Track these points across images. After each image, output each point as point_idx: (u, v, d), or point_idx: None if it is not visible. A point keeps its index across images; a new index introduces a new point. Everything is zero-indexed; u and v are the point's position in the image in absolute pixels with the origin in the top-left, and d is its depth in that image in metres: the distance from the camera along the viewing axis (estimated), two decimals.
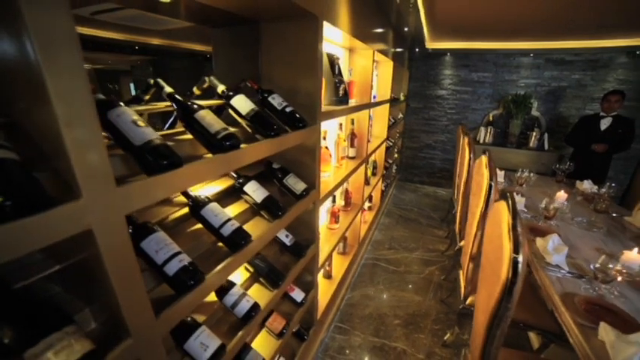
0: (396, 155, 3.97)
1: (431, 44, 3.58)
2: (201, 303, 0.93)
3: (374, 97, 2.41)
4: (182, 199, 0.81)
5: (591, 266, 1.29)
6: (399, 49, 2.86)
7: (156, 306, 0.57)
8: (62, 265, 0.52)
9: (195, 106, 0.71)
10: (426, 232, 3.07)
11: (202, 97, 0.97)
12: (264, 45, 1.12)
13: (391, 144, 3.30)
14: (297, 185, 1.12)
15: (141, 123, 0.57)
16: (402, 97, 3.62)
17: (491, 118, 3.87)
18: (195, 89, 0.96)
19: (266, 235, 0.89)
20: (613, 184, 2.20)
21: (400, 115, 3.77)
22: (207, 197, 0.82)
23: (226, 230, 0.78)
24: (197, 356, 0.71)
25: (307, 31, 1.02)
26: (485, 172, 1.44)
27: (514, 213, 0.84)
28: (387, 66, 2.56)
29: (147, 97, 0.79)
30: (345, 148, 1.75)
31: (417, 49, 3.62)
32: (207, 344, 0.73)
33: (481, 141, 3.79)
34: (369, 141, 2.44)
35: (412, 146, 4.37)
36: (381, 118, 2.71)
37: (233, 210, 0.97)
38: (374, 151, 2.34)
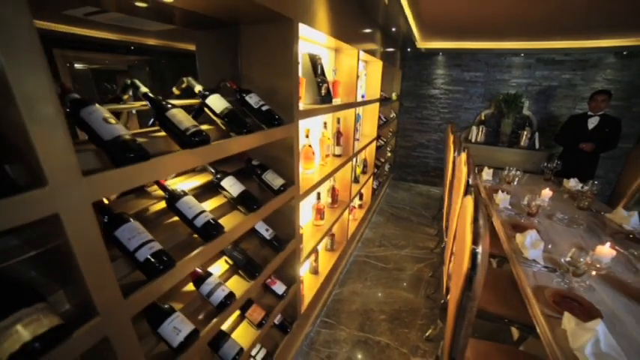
0: (389, 154, 4.02)
1: (422, 44, 3.63)
2: (180, 292, 0.98)
3: (362, 96, 2.46)
4: (162, 193, 0.86)
5: (562, 259, 1.33)
6: (389, 49, 2.90)
7: (126, 289, 0.62)
8: (39, 251, 0.57)
9: (168, 105, 0.76)
10: (417, 230, 3.11)
11: (182, 96, 1.02)
12: (243, 46, 1.17)
13: (383, 143, 3.34)
14: (275, 181, 1.16)
15: (112, 120, 0.62)
16: (394, 97, 3.66)
17: (483, 118, 3.91)
18: (174, 89, 1.00)
19: (240, 227, 0.94)
20: (596, 182, 2.24)
21: (393, 115, 3.82)
22: (183, 191, 0.87)
23: (199, 221, 0.83)
24: (170, 340, 0.76)
25: (283, 33, 1.06)
26: (464, 169, 1.48)
27: (476, 207, 0.88)
28: (376, 66, 2.60)
29: (126, 97, 0.84)
30: (330, 146, 1.79)
31: (408, 49, 3.66)
32: (180, 329, 0.77)
33: (473, 140, 3.83)
34: (357, 139, 2.48)
35: (405, 145, 4.41)
36: (371, 117, 2.75)
37: (212, 204, 1.02)
38: (362, 149, 2.38)
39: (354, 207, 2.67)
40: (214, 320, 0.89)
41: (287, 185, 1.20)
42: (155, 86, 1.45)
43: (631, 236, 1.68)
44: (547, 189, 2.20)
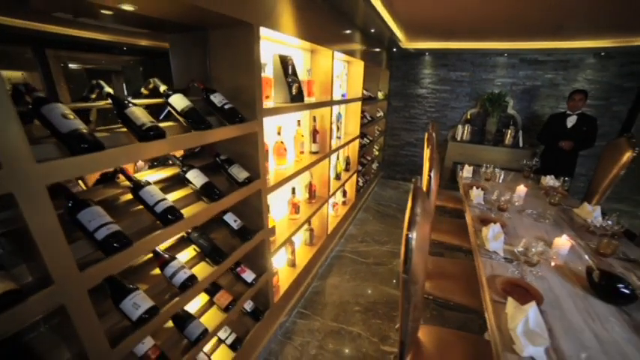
0: (376, 152, 4.09)
1: (408, 44, 3.70)
2: (148, 275, 1.06)
3: (343, 95, 2.54)
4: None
5: (515, 250, 1.41)
6: (371, 50, 2.97)
7: (83, 264, 0.71)
8: (4, 230, 0.66)
9: (128, 104, 0.85)
10: (401, 227, 3.19)
11: (150, 96, 1.11)
12: (211, 49, 1.25)
13: (368, 141, 3.42)
14: (240, 174, 1.25)
15: (70, 116, 0.70)
16: (380, 96, 3.74)
17: (469, 116, 3.98)
18: (143, 89, 1.09)
19: (200, 215, 1.03)
20: (567, 179, 2.32)
21: (380, 114, 3.90)
22: (147, 181, 0.96)
23: (159, 208, 0.91)
24: (130, 314, 0.84)
25: (245, 37, 1.15)
26: (426, 164, 1.56)
27: (414, 196, 0.96)
28: (357, 66, 2.68)
29: (93, 96, 0.92)
30: (304, 143, 1.87)
31: (394, 49, 3.74)
32: (139, 304, 0.86)
33: (459, 139, 3.90)
34: (339, 137, 2.57)
35: (394, 144, 4.49)
36: (353, 115, 2.83)
37: (178, 194, 1.11)
38: (342, 146, 2.46)
39: (337, 203, 2.75)
40: (176, 299, 0.97)
41: (252, 178, 1.28)
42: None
43: (591, 229, 1.76)
44: (522, 185, 2.28)
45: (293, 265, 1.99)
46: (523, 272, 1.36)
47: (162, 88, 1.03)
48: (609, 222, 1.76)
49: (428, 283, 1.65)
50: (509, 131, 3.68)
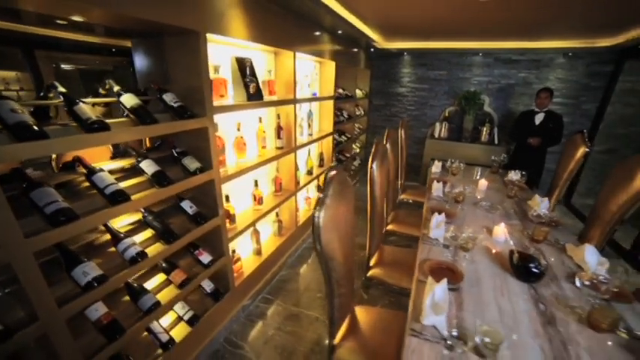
0: (357, 150, 4.22)
1: (387, 44, 3.83)
2: (105, 252, 1.21)
3: (314, 94, 2.68)
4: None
5: (449, 236, 1.53)
6: (344, 50, 3.10)
7: (29, 233, 0.85)
8: None
9: (78, 102, 1.00)
10: None
11: (107, 95, 1.25)
12: (168, 53, 1.40)
13: (346, 138, 3.55)
14: (192, 165, 1.40)
15: (19, 111, 0.85)
16: (359, 95, 3.87)
17: (447, 114, 4.09)
18: (100, 89, 1.24)
19: (148, 198, 1.17)
20: (523, 173, 2.43)
21: (360, 112, 4.02)
22: (100, 168, 1.11)
23: (108, 190, 1.06)
24: (79, 280, 0.99)
25: (192, 43, 1.29)
26: (371, 158, 1.69)
27: (326, 182, 1.08)
28: (329, 66, 2.82)
29: (51, 95, 1.07)
30: (266, 139, 2.01)
31: (372, 50, 3.87)
32: (88, 272, 1.01)
33: (436, 136, 4.01)
34: (310, 134, 2.70)
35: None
36: (326, 113, 2.97)
37: (134, 181, 1.25)
38: (310, 143, 2.60)
39: (309, 198, 2.89)
40: (125, 271, 1.12)
41: (204, 169, 1.43)
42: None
43: (530, 218, 1.88)
44: (483, 179, 2.40)
45: (259, 253, 2.13)
46: (456, 256, 1.48)
47: (116, 88, 1.18)
48: (544, 211, 1.89)
49: (380, 271, 1.78)
50: (485, 128, 3.79)
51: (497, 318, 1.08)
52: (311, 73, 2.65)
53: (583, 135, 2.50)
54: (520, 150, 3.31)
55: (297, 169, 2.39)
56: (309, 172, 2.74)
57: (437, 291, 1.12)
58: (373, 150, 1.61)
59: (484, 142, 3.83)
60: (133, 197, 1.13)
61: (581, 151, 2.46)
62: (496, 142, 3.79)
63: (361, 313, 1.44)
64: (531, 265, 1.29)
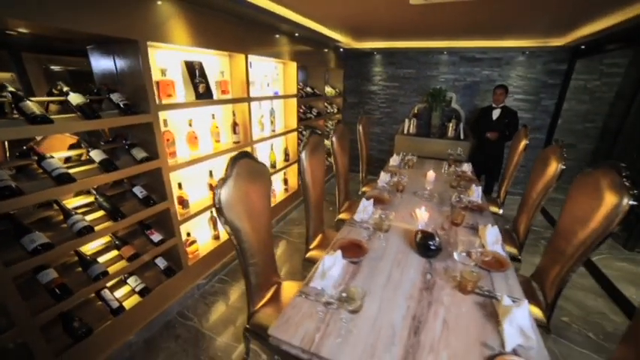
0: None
1: (357, 44, 4.00)
2: (58, 228, 1.42)
3: (276, 92, 2.87)
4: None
5: (369, 220, 1.72)
6: (307, 51, 3.27)
7: None
8: None
9: (24, 99, 1.21)
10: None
11: (59, 95, 1.46)
12: (116, 58, 1.61)
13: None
14: (139, 154, 1.61)
15: None
16: (330, 93, 4.05)
17: (416, 111, 4.26)
18: (53, 90, 1.45)
19: (92, 181, 1.38)
20: (466, 164, 2.60)
21: (331, 109, 4.21)
22: (50, 155, 1.32)
23: (54, 173, 1.27)
24: (26, 246, 1.20)
25: (134, 50, 1.50)
26: (306, 151, 1.88)
27: (227, 165, 1.27)
28: (291, 67, 3.01)
29: (4, 94, 1.28)
30: (220, 134, 2.21)
31: (341, 50, 4.04)
32: (35, 240, 1.22)
33: (405, 132, 4.18)
34: (273, 130, 2.90)
35: (350, 138, 4.79)
36: (291, 110, 3.16)
37: (86, 168, 1.46)
38: (269, 138, 2.80)
39: (274, 190, 3.09)
40: (71, 241, 1.33)
41: (150, 158, 1.64)
42: None
43: (468, 205, 2.05)
44: (431, 171, 2.59)
45: (217, 238, 2.34)
46: (373, 236, 1.66)
47: (66, 89, 1.39)
48: (472, 199, 2.07)
49: (318, 253, 1.95)
50: (451, 124, 3.95)
51: (383, 283, 1.25)
52: (272, 73, 2.85)
53: (526, 129, 2.68)
54: (480, 144, 3.48)
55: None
56: (273, 166, 2.94)
57: (326, 260, 1.30)
58: (303, 142, 1.79)
59: (451, 138, 3.99)
60: (80, 180, 1.34)
61: (523, 143, 2.64)
62: (462, 137, 3.95)
63: (288, 286, 1.63)
64: (430, 242, 1.47)
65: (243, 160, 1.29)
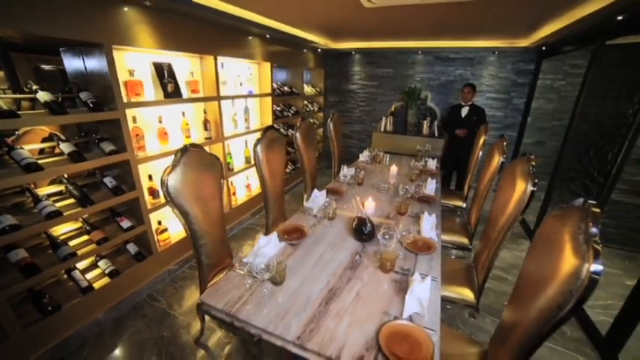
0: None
1: (335, 45, 4.14)
2: (31, 213, 1.58)
3: (250, 91, 3.02)
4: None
5: (315, 209, 1.86)
6: (282, 52, 3.42)
7: None
8: None
9: None
10: None
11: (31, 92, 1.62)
12: (86, 60, 1.76)
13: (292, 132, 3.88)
14: (107, 148, 1.76)
15: None
16: (311, 92, 4.19)
17: (394, 109, 4.40)
18: (24, 87, 1.60)
19: (60, 170, 1.54)
20: (426, 159, 2.74)
21: (312, 108, 4.35)
22: (20, 147, 1.47)
23: (23, 162, 1.43)
24: None
25: (101, 52, 1.65)
26: (261, 145, 2.03)
27: (175, 156, 1.43)
28: (265, 67, 3.16)
29: None
30: (190, 130, 2.36)
31: (319, 50, 4.18)
32: (2, 222, 1.37)
33: (382, 130, 4.32)
34: (247, 127, 3.05)
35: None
36: (266, 108, 3.31)
37: (55, 160, 1.62)
38: (246, 134, 2.95)
39: (250, 184, 3.24)
40: (40, 224, 1.49)
41: (118, 151, 1.79)
42: None
43: (415, 196, 2.20)
44: (394, 166, 2.74)
45: None
46: (319, 223, 1.80)
47: (35, 87, 1.54)
48: (407, 188, 2.21)
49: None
50: (426, 122, 4.09)
51: (313, 263, 1.38)
52: (245, 73, 2.99)
53: (486, 125, 2.82)
54: (451, 140, 3.61)
55: (229, 156, 2.75)
56: (248, 161, 3.10)
57: (260, 240, 1.45)
58: (257, 137, 1.94)
59: (426, 135, 4.13)
60: (49, 169, 1.50)
61: (483, 139, 2.78)
62: (436, 134, 4.08)
63: None
64: (362, 227, 1.61)
65: (192, 151, 1.44)
